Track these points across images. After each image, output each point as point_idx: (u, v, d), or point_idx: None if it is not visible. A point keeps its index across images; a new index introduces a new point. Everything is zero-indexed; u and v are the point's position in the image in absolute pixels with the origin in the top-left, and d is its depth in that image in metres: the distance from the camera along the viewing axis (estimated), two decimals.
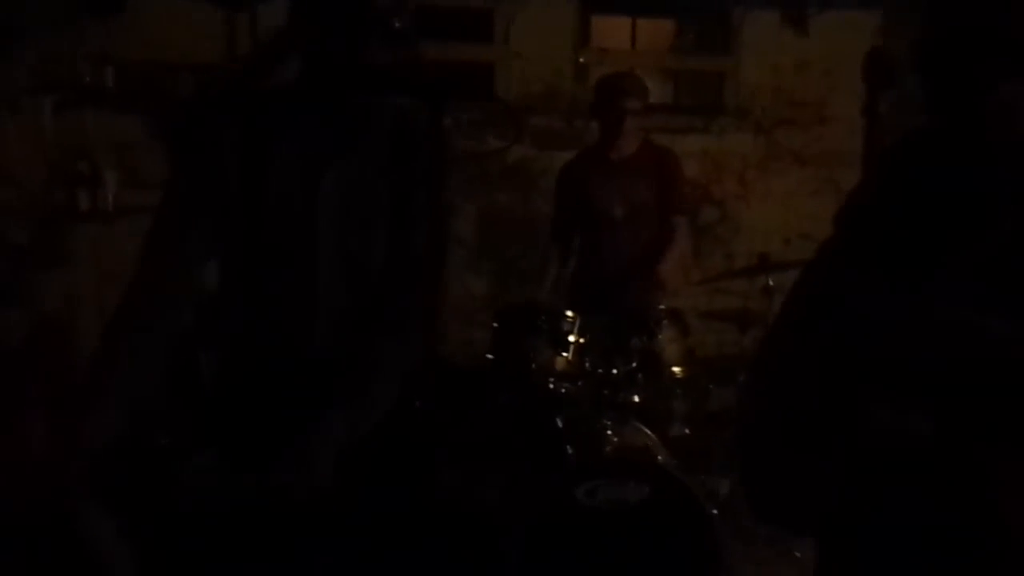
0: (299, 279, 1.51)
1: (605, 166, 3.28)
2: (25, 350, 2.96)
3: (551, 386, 2.84)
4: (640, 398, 2.86)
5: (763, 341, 1.71)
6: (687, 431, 3.01)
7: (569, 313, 2.91)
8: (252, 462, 1.51)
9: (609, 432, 2.61)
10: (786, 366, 1.48)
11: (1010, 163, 1.21)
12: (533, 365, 2.84)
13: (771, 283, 3.21)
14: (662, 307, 3.04)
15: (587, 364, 2.85)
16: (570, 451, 2.56)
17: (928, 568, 1.23)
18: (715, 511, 2.46)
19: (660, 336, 2.93)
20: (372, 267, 1.54)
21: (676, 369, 2.94)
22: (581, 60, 4.60)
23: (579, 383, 2.85)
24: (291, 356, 1.53)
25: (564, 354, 2.86)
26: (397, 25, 1.43)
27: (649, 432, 2.72)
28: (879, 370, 1.18)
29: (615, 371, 2.84)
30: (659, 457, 2.52)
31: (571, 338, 2.87)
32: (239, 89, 1.56)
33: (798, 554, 2.73)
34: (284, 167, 1.49)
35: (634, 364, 2.87)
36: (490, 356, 3.02)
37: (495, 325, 3.07)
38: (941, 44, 1.20)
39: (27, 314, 3.06)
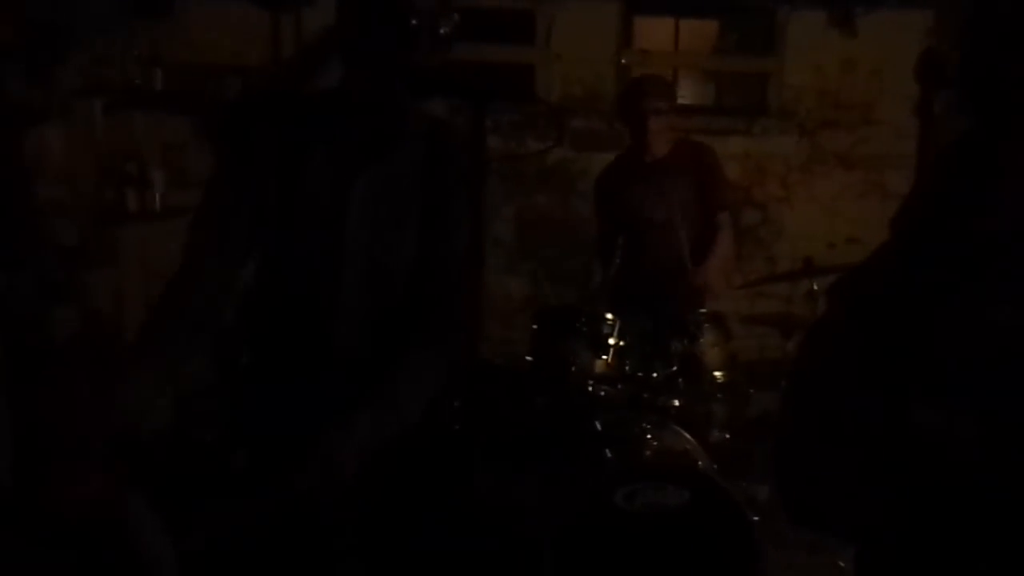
0: (325, 280, 1.52)
1: (641, 170, 3.25)
2: (76, 347, 3.03)
3: (590, 389, 2.82)
4: (680, 402, 2.84)
5: (803, 344, 1.69)
6: (727, 436, 2.98)
7: (609, 316, 2.89)
8: (278, 459, 1.52)
9: (648, 436, 2.58)
10: (829, 369, 1.46)
11: None
12: (572, 368, 2.83)
13: (816, 287, 3.16)
14: (703, 311, 3.01)
15: (627, 367, 2.83)
16: (609, 455, 2.54)
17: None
18: (756, 518, 2.43)
19: (701, 340, 2.90)
20: (398, 271, 1.54)
21: (717, 374, 2.91)
22: (623, 61, 4.58)
23: (618, 386, 2.83)
24: (314, 356, 1.54)
25: (604, 357, 2.84)
26: (443, 32, 1.44)
27: (689, 437, 2.70)
28: (929, 375, 1.16)
29: (655, 375, 2.82)
30: (699, 462, 2.49)
31: (611, 341, 2.85)
32: (282, 91, 1.58)
33: (842, 564, 2.68)
34: (319, 169, 1.50)
35: (674, 368, 2.85)
36: (529, 358, 3.02)
37: (534, 327, 3.06)
38: (986, 48, 1.18)
39: (78, 312, 3.12)
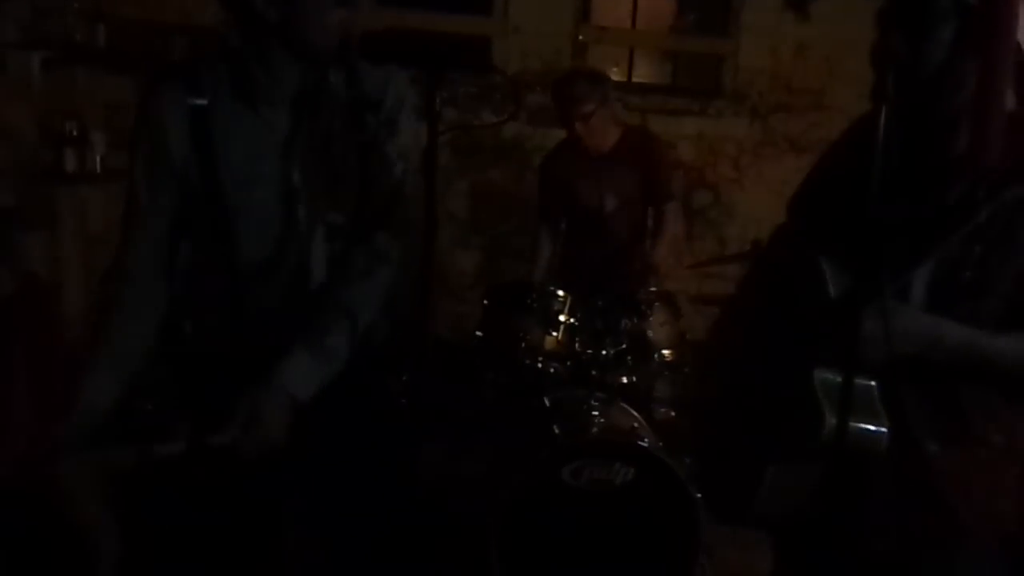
0: (281, 247, 1.49)
1: (588, 162, 3.24)
2: (11, 310, 2.92)
3: (539, 365, 2.83)
4: (628, 380, 2.86)
5: (712, 331, 1.71)
6: (673, 414, 3.01)
7: (560, 293, 2.89)
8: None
9: (596, 413, 2.60)
10: (741, 357, 1.48)
11: (954, 144, 1.22)
12: (522, 344, 2.83)
13: None
14: (653, 289, 3.03)
15: (576, 344, 2.84)
16: (557, 431, 2.56)
17: (881, 559, 1.26)
18: (699, 494, 2.46)
19: (651, 318, 2.92)
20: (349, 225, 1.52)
21: (666, 352, 2.93)
22: (580, 37, 4.55)
23: (568, 363, 2.84)
24: (279, 321, 1.51)
25: (554, 334, 2.85)
26: None
27: (636, 414, 2.72)
28: (833, 363, 1.20)
29: (604, 352, 2.83)
30: (645, 439, 2.52)
31: (561, 318, 2.86)
32: (205, 57, 1.52)
33: None
34: (248, 134, 1.46)
35: (623, 346, 2.86)
36: (479, 333, 3.01)
37: (485, 303, 3.05)
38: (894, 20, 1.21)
39: (13, 274, 3.01)
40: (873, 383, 1.19)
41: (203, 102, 1.44)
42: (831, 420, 1.16)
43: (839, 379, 1.16)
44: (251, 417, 1.37)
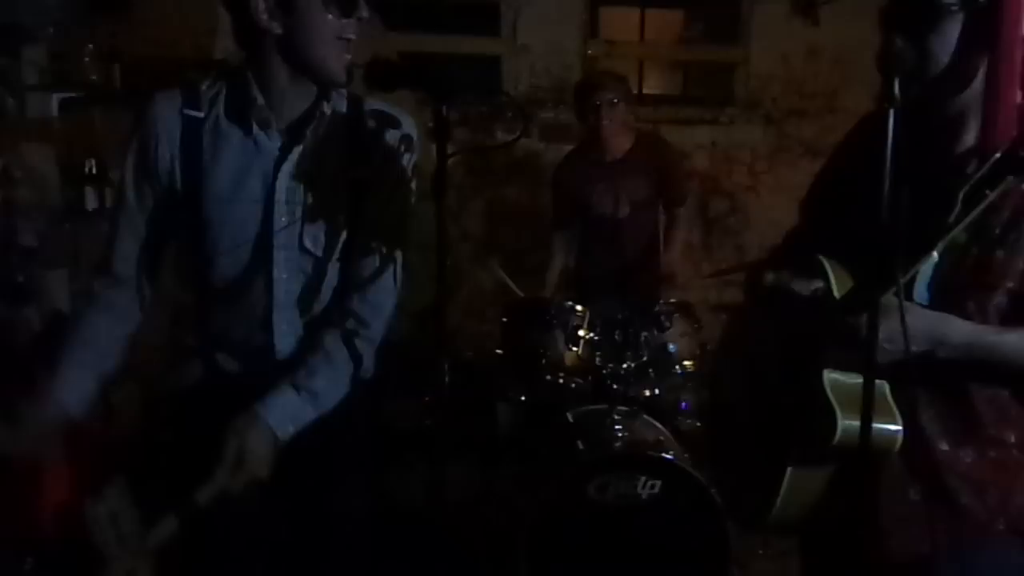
0: (258, 272, 1.49)
1: (602, 168, 3.26)
2: (36, 348, 2.96)
3: (561, 381, 2.82)
4: (651, 392, 2.85)
5: (721, 336, 1.71)
6: (698, 424, 2.99)
7: (579, 308, 2.89)
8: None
9: (619, 427, 2.59)
10: (749, 362, 1.47)
11: (961, 139, 1.22)
12: (543, 360, 2.83)
13: None
14: (673, 301, 3.02)
15: (597, 359, 2.83)
16: (580, 446, 2.55)
17: (901, 559, 1.25)
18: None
19: (671, 330, 2.91)
20: (328, 259, 1.52)
21: (687, 363, 2.92)
22: (589, 52, 4.57)
23: (589, 378, 2.84)
24: (254, 351, 1.52)
25: (574, 349, 2.84)
26: None
27: (660, 426, 2.71)
28: (841, 363, 1.19)
29: (625, 366, 2.82)
30: (670, 451, 2.50)
31: (581, 333, 2.85)
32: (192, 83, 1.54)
33: None
34: (235, 157, 1.47)
35: (644, 358, 2.85)
36: (499, 351, 3.01)
37: (504, 320, 3.05)
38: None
39: (38, 312, 3.06)
40: (885, 382, 1.18)
41: (198, 114, 1.47)
42: (843, 421, 1.15)
43: (848, 379, 1.15)
44: (239, 454, 1.36)
